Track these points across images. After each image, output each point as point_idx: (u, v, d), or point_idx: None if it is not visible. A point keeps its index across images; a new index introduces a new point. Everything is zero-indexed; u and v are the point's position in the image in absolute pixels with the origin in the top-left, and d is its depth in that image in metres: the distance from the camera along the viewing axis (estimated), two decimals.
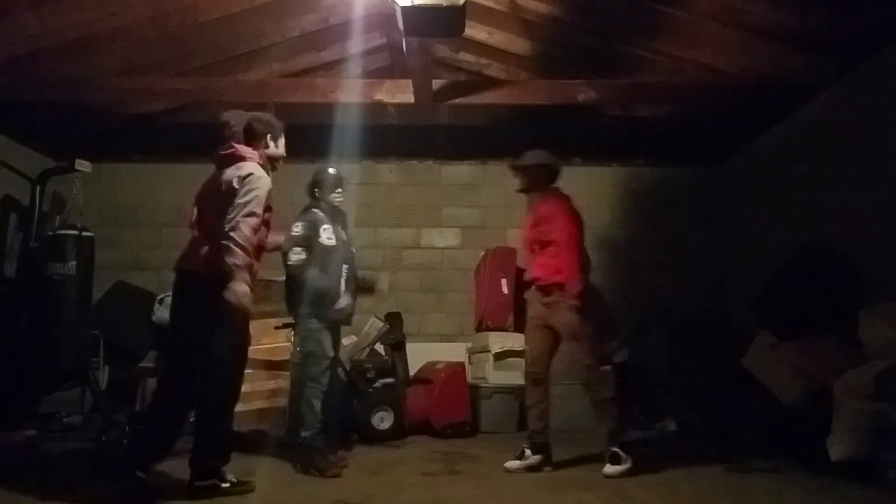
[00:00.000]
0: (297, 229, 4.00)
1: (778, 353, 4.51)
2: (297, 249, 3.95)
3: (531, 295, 4.08)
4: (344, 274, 4.04)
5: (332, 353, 4.00)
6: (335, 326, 4.08)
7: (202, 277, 3.11)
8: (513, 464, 3.90)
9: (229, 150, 3.32)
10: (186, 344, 3.17)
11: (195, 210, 3.39)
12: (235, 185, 3.15)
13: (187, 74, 5.61)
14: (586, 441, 4.95)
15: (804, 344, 4.33)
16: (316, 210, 4.09)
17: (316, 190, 4.21)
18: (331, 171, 4.25)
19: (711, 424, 5.03)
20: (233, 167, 3.24)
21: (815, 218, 5.08)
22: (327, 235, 3.99)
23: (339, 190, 4.22)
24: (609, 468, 3.72)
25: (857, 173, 4.64)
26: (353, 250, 4.32)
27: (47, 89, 5.20)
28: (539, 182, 4.13)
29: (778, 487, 3.47)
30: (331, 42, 5.99)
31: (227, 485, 3.20)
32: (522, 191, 4.20)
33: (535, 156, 4.16)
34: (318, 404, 3.88)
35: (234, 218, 3.06)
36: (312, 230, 3.98)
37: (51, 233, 5.33)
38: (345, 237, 4.18)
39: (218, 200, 3.18)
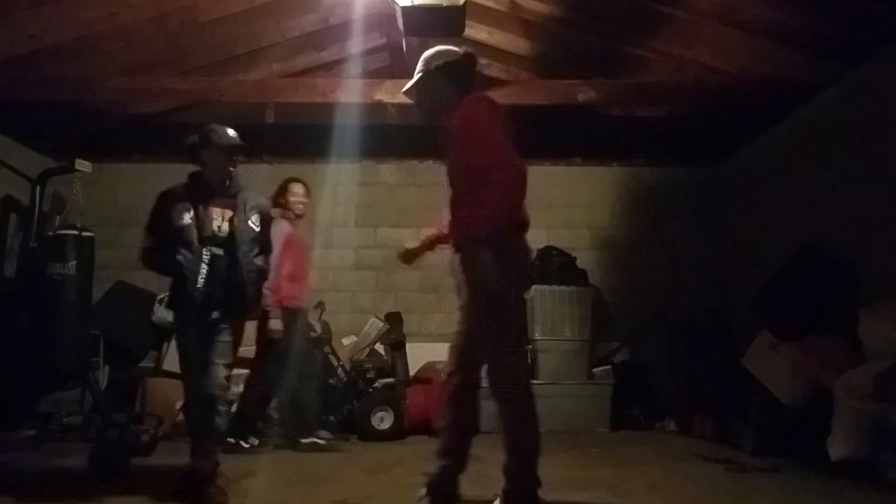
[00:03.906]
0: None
1: (778, 353, 4.51)
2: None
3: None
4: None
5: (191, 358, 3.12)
6: (207, 325, 3.10)
7: None
8: None
9: None
10: None
11: None
12: None
13: (187, 74, 5.60)
14: (586, 441, 4.96)
15: (804, 344, 4.33)
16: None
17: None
18: (230, 132, 3.25)
19: (711, 424, 5.03)
20: None
21: (815, 218, 5.07)
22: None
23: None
24: None
25: (857, 173, 4.63)
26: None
27: (47, 89, 5.18)
28: (440, 98, 2.77)
29: (778, 487, 3.46)
30: (331, 42, 5.99)
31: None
32: (428, 122, 2.86)
33: (425, 63, 2.77)
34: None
35: None
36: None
37: (51, 233, 5.32)
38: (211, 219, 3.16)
39: None
